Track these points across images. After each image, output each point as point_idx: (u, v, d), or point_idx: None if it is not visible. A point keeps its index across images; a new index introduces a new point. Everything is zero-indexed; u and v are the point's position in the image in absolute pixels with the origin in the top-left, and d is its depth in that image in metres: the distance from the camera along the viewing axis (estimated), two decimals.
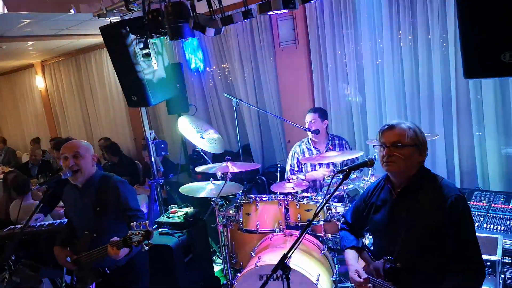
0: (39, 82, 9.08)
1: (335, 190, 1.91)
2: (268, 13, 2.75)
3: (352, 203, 2.26)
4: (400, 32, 3.82)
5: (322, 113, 3.70)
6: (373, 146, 1.92)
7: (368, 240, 2.76)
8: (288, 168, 3.83)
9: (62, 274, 2.96)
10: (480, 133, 3.58)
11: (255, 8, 2.79)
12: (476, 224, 2.84)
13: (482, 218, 2.91)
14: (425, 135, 1.90)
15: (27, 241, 3.23)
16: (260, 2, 2.72)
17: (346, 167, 1.82)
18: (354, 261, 2.03)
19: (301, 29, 4.45)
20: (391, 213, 1.91)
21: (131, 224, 2.05)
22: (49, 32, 5.77)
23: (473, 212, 2.84)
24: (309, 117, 3.65)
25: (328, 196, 1.93)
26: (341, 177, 1.87)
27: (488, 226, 2.84)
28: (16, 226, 3.35)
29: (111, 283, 2.46)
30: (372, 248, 2.11)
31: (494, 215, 2.91)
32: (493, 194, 3.13)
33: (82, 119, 8.44)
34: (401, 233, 1.84)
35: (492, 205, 3.01)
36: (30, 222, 3.15)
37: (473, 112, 3.56)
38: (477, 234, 2.43)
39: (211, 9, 3.02)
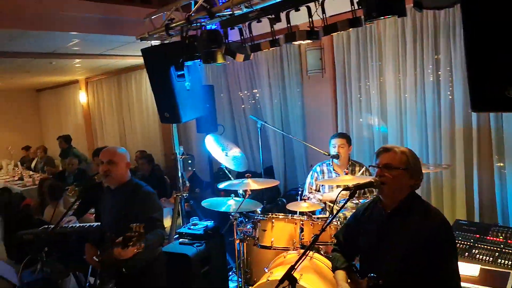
0: (82, 97, 9.70)
1: (341, 208, 2.02)
2: (293, 43, 2.99)
3: (345, 223, 2.32)
4: (424, 67, 3.94)
5: (349, 139, 3.83)
6: (369, 166, 2.04)
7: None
8: (306, 185, 3.94)
9: (86, 273, 3.16)
10: (501, 165, 3.58)
11: (283, 38, 3.04)
12: (491, 259, 2.84)
13: (497, 254, 2.91)
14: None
15: (58, 241, 3.48)
16: (287, 33, 2.97)
17: (352, 185, 1.93)
18: (343, 282, 2.08)
19: (328, 59, 4.66)
20: (380, 232, 2.00)
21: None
22: (95, 52, 6.25)
23: (488, 247, 2.90)
24: (337, 141, 3.73)
25: (335, 213, 2.04)
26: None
27: (502, 261, 2.83)
28: (50, 226, 3.61)
29: (128, 284, 2.58)
30: (359, 267, 2.17)
31: (510, 251, 2.90)
32: (510, 230, 3.11)
33: (119, 133, 8.91)
34: (387, 252, 1.93)
35: (508, 241, 3.00)
36: (61, 224, 3.43)
37: (493, 142, 3.58)
38: (490, 268, 2.40)
39: (242, 37, 3.32)
